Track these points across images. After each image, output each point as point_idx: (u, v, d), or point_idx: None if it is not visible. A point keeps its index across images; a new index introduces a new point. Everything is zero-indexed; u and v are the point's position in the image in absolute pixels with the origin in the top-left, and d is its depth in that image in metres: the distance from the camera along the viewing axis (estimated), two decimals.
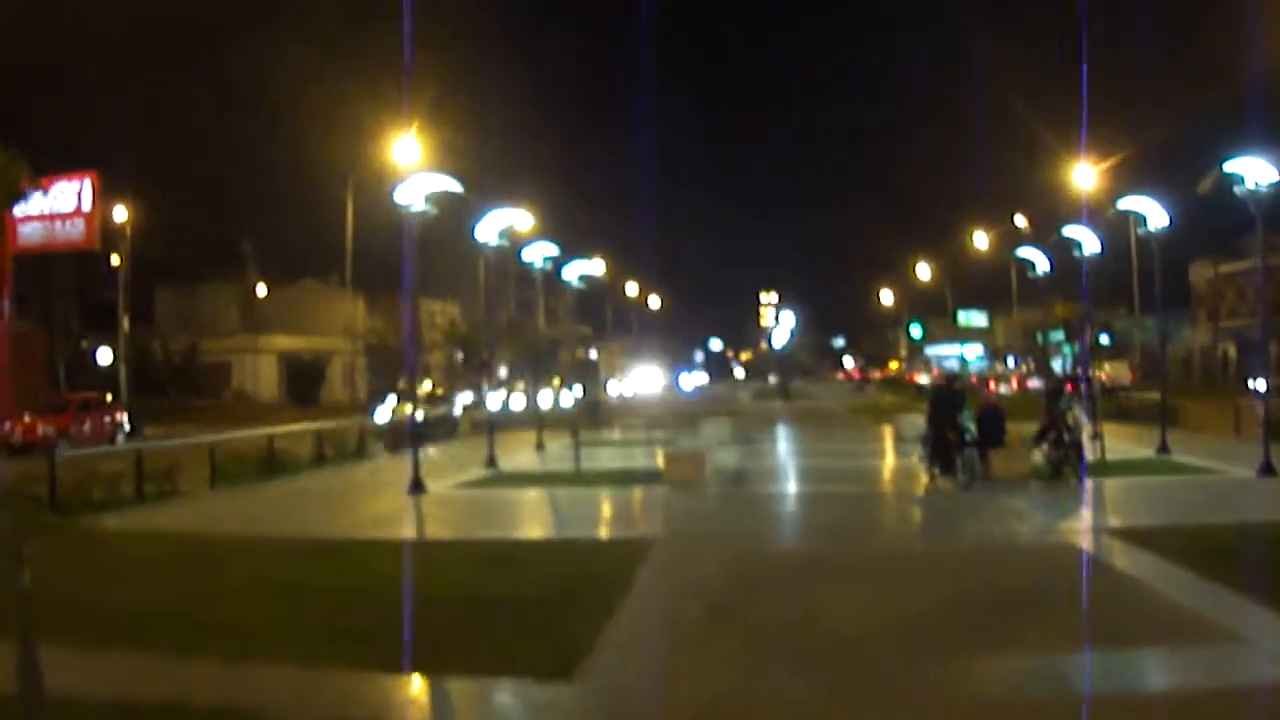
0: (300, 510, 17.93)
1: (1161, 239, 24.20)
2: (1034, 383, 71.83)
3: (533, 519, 16.22)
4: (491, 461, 24.44)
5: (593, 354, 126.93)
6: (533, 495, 19.07)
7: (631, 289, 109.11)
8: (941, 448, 19.03)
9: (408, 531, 14.75)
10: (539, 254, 28.95)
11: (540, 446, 28.91)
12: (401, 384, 59.38)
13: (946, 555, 12.51)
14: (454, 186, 20.21)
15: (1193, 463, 21.08)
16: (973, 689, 7.41)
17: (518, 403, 60.71)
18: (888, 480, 21.19)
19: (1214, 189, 20.37)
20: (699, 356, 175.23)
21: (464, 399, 52.87)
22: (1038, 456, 19.83)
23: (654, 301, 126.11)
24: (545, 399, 58.36)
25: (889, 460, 25.20)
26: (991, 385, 71.51)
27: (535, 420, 31.23)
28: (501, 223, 24.54)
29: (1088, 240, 30.18)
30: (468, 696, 7.55)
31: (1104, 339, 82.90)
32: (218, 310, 72.81)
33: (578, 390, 43.10)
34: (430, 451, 29.30)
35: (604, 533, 14.45)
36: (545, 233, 37.89)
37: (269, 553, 13.26)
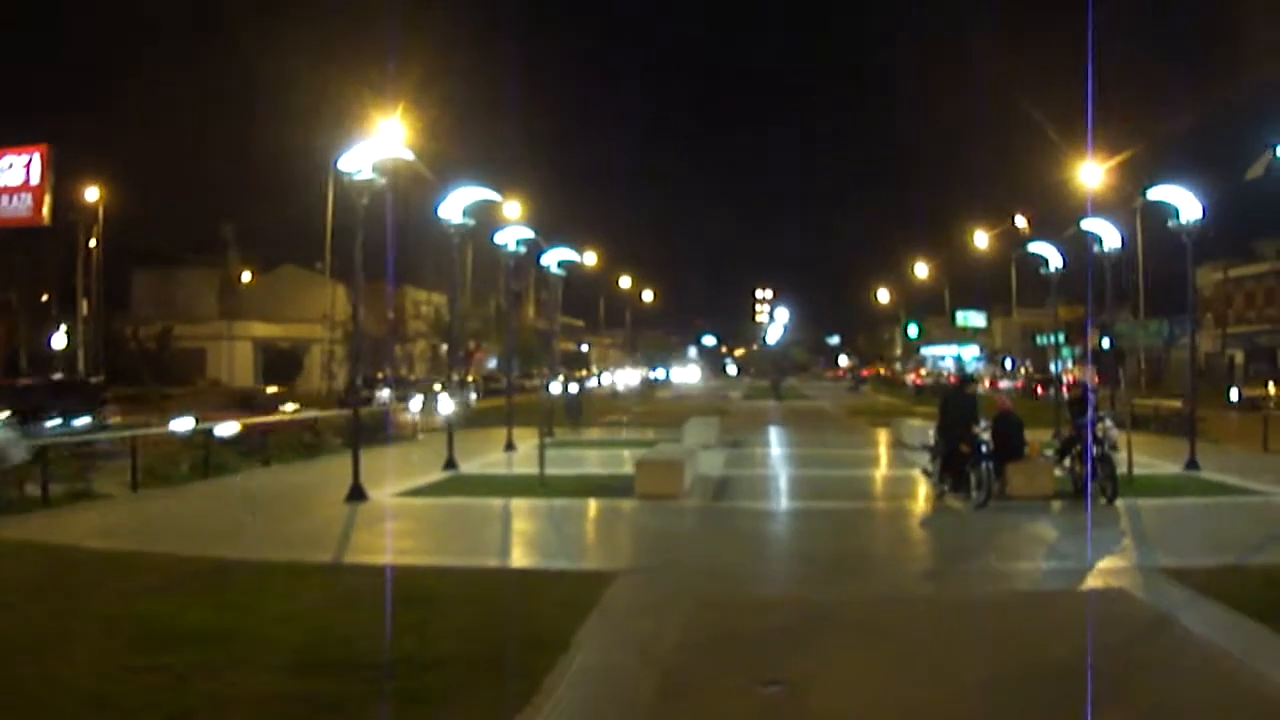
0: (213, 521, 15.60)
1: (1195, 232, 21.87)
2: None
3: (475, 540, 13.77)
4: (450, 464, 22.16)
5: (584, 347, 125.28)
6: (484, 508, 16.70)
7: (625, 283, 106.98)
8: (953, 460, 16.73)
9: (321, 554, 12.38)
10: (512, 237, 26.53)
11: (510, 446, 26.56)
12: (381, 374, 57.34)
13: (968, 603, 10.13)
14: (405, 155, 17.88)
15: (1228, 481, 18.82)
16: None
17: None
18: (889, 495, 18.84)
19: (1266, 172, 18.09)
20: (692, 352, 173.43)
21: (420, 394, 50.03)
22: (1057, 472, 17.63)
23: (647, 295, 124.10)
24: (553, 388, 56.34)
25: (888, 470, 22.87)
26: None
27: (527, 413, 28.55)
28: (465, 200, 22.18)
29: (1108, 234, 27.96)
30: None
31: (1105, 343, 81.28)
32: (196, 295, 70.31)
33: (555, 386, 40.71)
34: (390, 451, 27.10)
35: (553, 562, 12.07)
36: (534, 223, 36.18)
37: (147, 577, 11.02)
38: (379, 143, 17.52)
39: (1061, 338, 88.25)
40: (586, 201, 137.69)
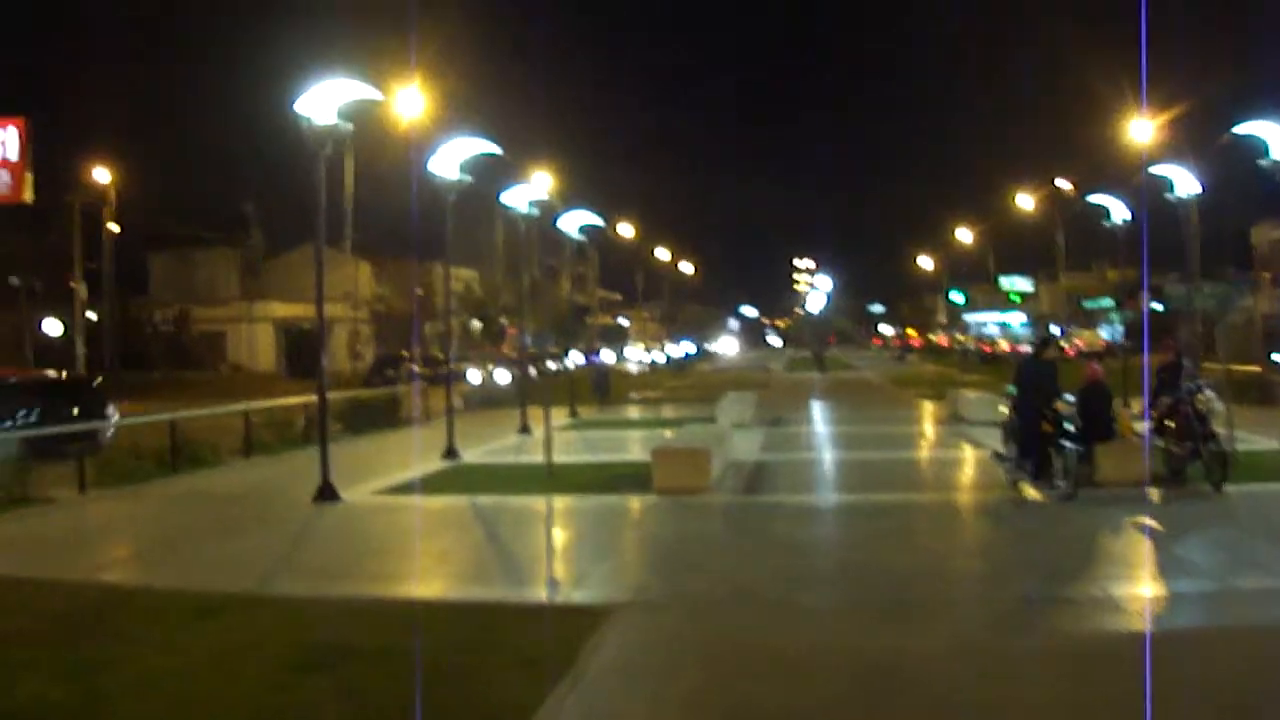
0: (148, 532, 13.16)
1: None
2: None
3: (450, 555, 11.10)
4: (450, 452, 19.61)
5: (623, 321, 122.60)
6: (471, 509, 14.02)
7: (663, 255, 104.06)
8: (1033, 442, 13.88)
9: (246, 581, 9.73)
10: (523, 198, 23.81)
11: (524, 429, 23.96)
12: (405, 353, 54.96)
13: (1093, 655, 7.27)
14: (372, 94, 15.20)
15: None
16: None
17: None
18: (954, 485, 15.98)
19: None
20: (732, 323, 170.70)
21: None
22: None
23: (686, 268, 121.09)
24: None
25: (949, 451, 19.97)
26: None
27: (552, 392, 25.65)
28: (460, 154, 19.52)
29: (1183, 179, 24.82)
30: None
31: (1157, 307, 77.72)
32: (216, 277, 68.14)
33: (575, 358, 38.16)
34: (393, 437, 24.66)
35: (532, 591, 9.39)
36: (567, 194, 34.00)
37: (33, 615, 8.52)
38: (347, 87, 14.79)
39: (1111, 301, 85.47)
40: (622, 174, 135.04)
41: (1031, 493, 13.90)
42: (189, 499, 15.73)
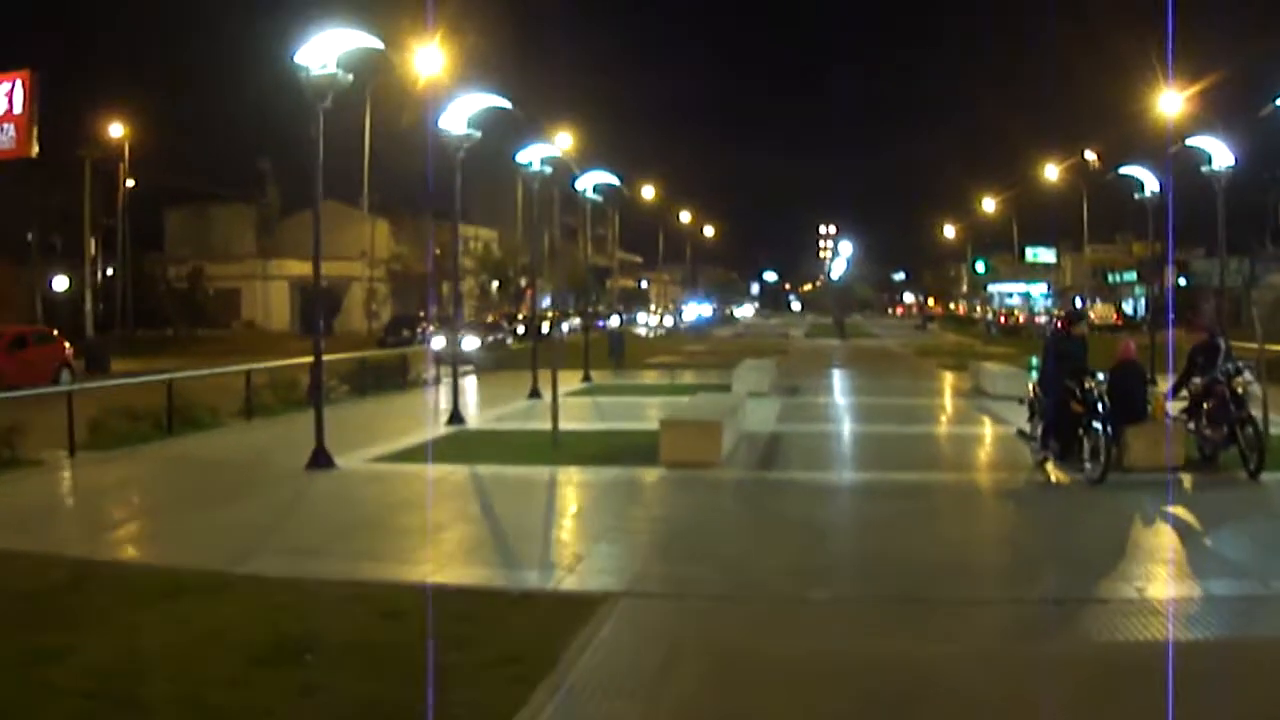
0: (134, 499, 12.69)
1: None
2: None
3: (440, 532, 10.45)
4: (455, 417, 19.04)
5: (643, 284, 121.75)
6: (470, 479, 13.39)
7: (685, 218, 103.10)
8: (1061, 422, 13.17)
9: (219, 559, 9.16)
10: (537, 156, 23.05)
11: (535, 394, 23.34)
12: (421, 313, 54.41)
13: (1136, 667, 6.60)
14: (373, 43, 14.49)
15: None
16: None
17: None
18: (977, 464, 15.26)
19: None
20: (754, 289, 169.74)
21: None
22: None
23: (708, 231, 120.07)
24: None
25: (970, 427, 19.25)
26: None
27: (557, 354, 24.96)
28: (468, 108, 18.79)
29: (1219, 152, 23.90)
30: None
31: (1181, 281, 76.61)
32: (232, 234, 67.64)
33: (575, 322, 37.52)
34: (398, 401, 24.11)
35: (523, 573, 8.76)
36: (590, 155, 33.45)
37: None
38: (345, 36, 14.08)
39: (1135, 275, 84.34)
40: (645, 135, 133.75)
41: (1058, 473, 13.21)
42: (179, 464, 15.20)
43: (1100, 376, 13.35)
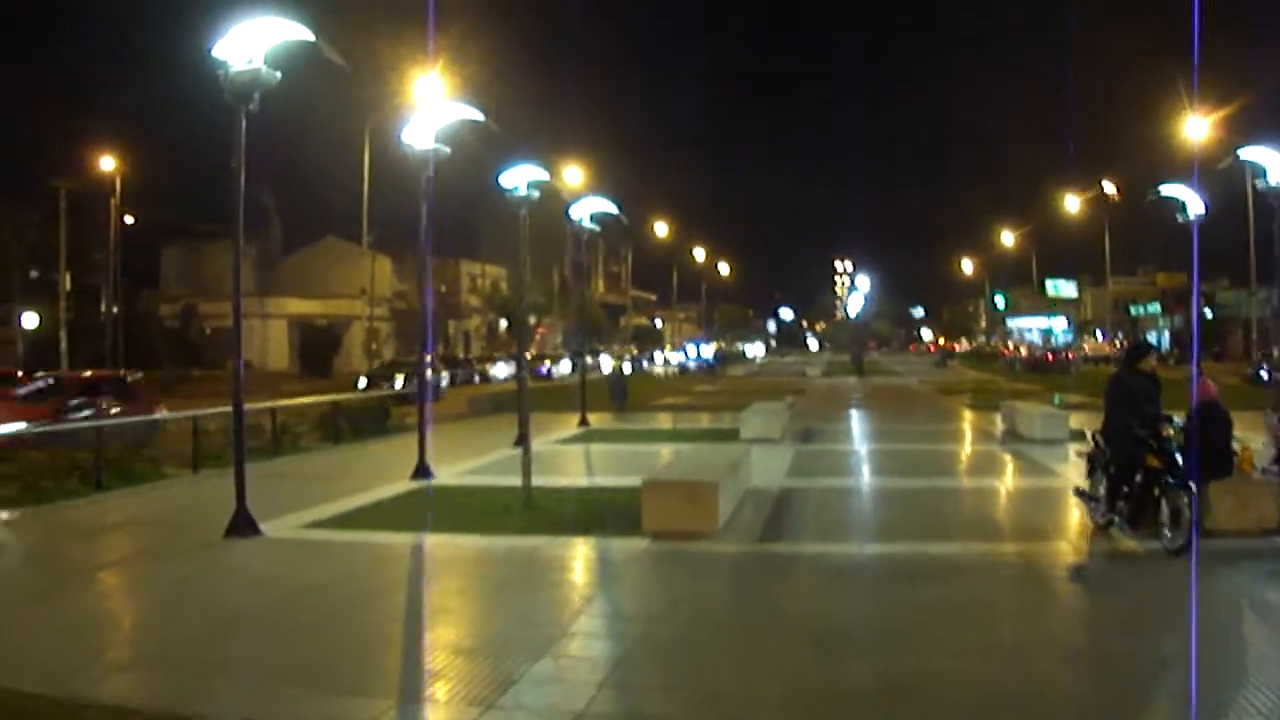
0: (14, 571, 10.41)
1: None
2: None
3: (337, 633, 8.02)
4: (421, 470, 16.73)
5: (657, 322, 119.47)
6: (412, 554, 11.04)
7: (699, 255, 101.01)
8: (1130, 479, 10.74)
9: (38, 672, 6.79)
10: (523, 179, 20.71)
11: (521, 440, 20.92)
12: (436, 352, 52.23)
13: None
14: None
15: None
16: None
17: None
18: (1026, 530, 12.38)
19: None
20: (770, 326, 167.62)
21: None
22: None
23: (723, 269, 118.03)
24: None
25: (1013, 480, 16.78)
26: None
27: (568, 397, 22.77)
28: (437, 121, 16.61)
29: (1275, 165, 21.49)
30: None
31: (1207, 313, 74.08)
32: (230, 271, 65.72)
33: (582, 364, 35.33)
34: (373, 448, 21.88)
35: (417, 711, 6.35)
36: (606, 191, 32.01)
37: None
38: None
39: (1158, 307, 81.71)
40: (659, 173, 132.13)
41: (1126, 541, 10.79)
42: (90, 526, 13.02)
43: (1178, 421, 10.94)
